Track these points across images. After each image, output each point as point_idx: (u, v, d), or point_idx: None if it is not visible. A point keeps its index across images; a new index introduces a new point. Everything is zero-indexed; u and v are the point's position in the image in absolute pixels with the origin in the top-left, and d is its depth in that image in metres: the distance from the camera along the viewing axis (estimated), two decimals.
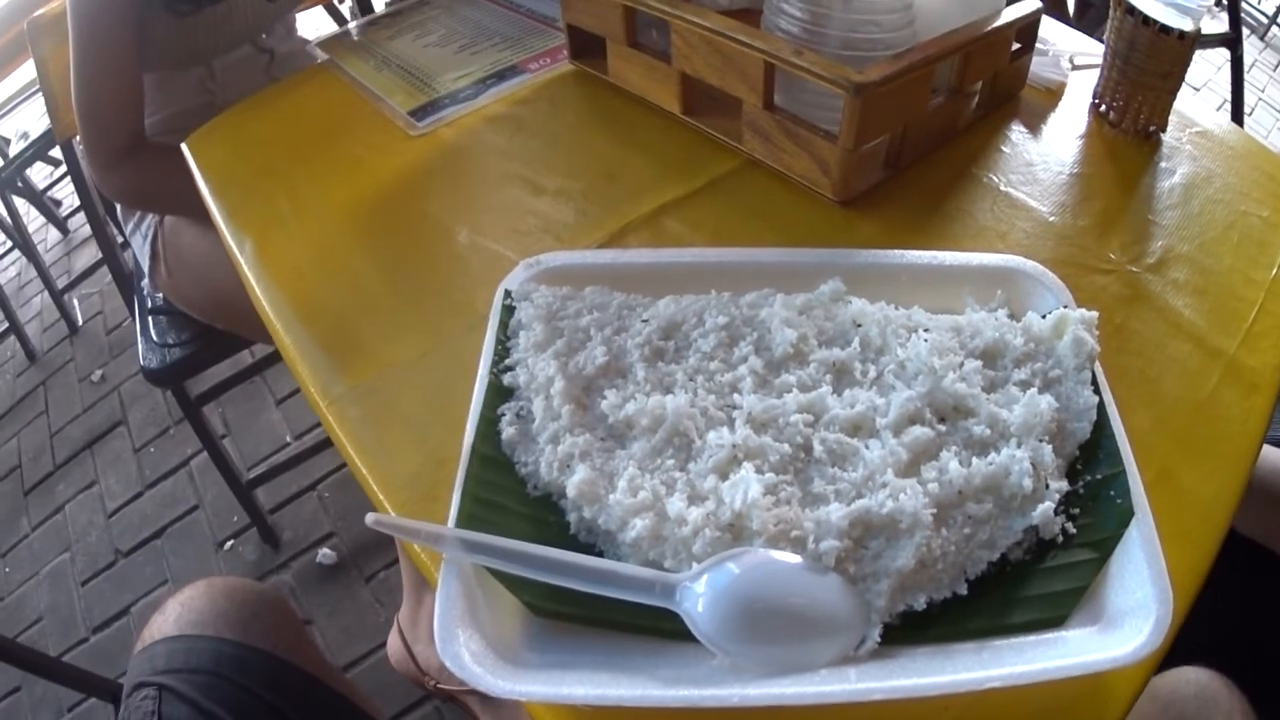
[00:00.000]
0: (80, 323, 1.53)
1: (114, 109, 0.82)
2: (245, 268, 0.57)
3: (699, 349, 0.43)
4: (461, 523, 0.38)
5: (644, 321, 0.44)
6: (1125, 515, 0.37)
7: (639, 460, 0.39)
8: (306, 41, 1.06)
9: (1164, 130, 0.69)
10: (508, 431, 0.42)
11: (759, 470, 0.38)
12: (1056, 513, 0.39)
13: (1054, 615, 0.36)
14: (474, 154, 0.65)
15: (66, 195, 1.84)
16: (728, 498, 0.37)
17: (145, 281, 1.06)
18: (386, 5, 1.07)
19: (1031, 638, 0.36)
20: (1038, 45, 0.70)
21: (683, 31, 0.55)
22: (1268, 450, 0.63)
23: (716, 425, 0.40)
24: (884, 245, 0.49)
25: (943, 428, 0.41)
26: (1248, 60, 2.12)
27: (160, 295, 1.04)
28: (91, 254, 1.48)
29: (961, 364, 0.42)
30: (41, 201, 1.78)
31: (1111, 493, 0.39)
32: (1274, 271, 0.59)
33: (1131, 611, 0.35)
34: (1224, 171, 0.67)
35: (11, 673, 1.03)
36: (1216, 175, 0.66)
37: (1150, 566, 0.35)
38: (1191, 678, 0.53)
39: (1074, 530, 0.39)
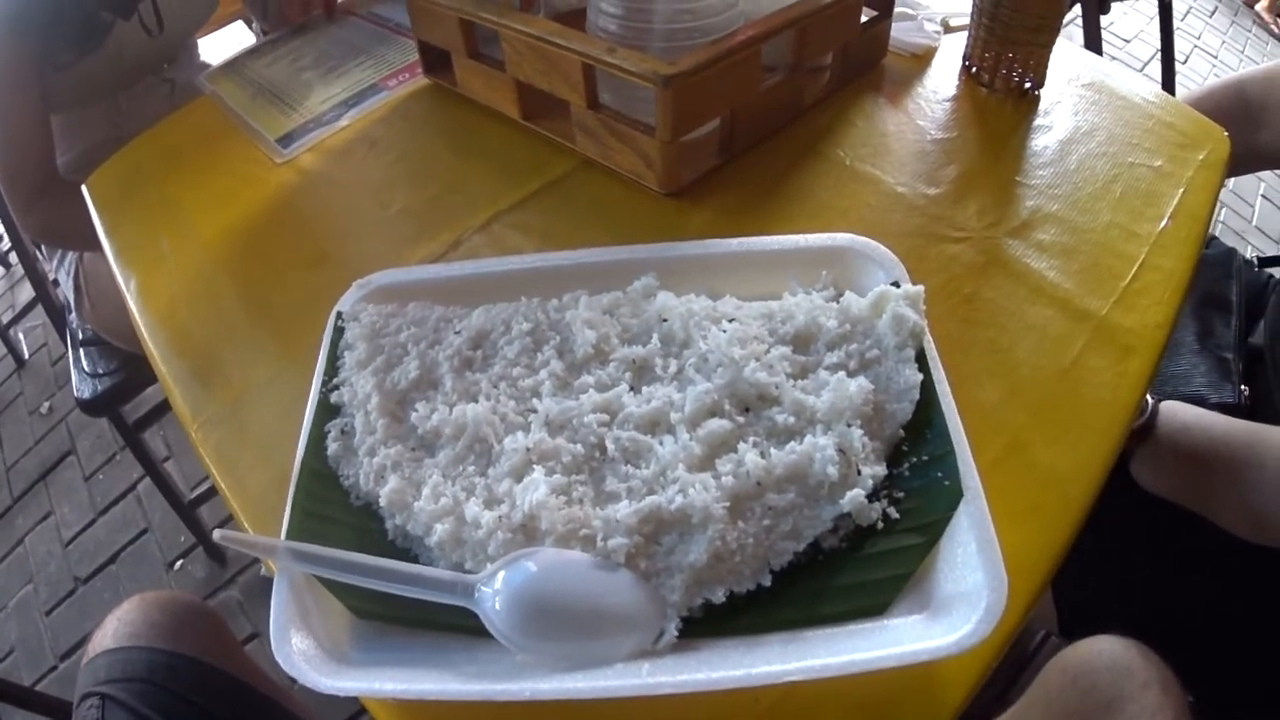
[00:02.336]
0: (27, 356, 1.58)
1: (24, 151, 0.87)
2: (130, 302, 0.61)
3: (504, 356, 0.45)
4: (292, 534, 0.41)
5: (456, 333, 0.47)
6: (954, 497, 0.37)
7: (443, 468, 0.42)
8: (208, 66, 1.09)
9: (1041, 86, 0.70)
10: (332, 447, 0.45)
11: (551, 472, 0.40)
12: (878, 498, 0.39)
13: (874, 604, 0.37)
14: (331, 177, 0.67)
15: (4, 232, 1.88)
16: (519, 500, 0.39)
17: (73, 315, 1.10)
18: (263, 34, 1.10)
19: (849, 627, 0.36)
20: (902, 9, 0.71)
21: (510, 39, 0.57)
22: (1178, 408, 0.64)
23: (515, 430, 0.42)
24: (717, 234, 0.50)
25: (742, 419, 0.42)
26: (1182, 7, 2.10)
27: (88, 327, 1.08)
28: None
29: (767, 351, 0.43)
30: None
31: (939, 474, 0.39)
32: (1162, 224, 0.59)
33: (961, 599, 0.34)
34: (1111, 123, 0.67)
35: None
36: (1101, 128, 0.67)
37: (981, 550, 0.35)
38: (1104, 648, 0.52)
39: (897, 515, 0.39)
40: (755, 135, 0.61)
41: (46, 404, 1.51)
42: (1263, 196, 1.77)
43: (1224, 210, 1.71)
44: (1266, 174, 1.81)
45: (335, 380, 0.48)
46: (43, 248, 1.11)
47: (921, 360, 0.43)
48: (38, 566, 1.32)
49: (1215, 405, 0.70)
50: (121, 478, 1.38)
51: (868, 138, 0.63)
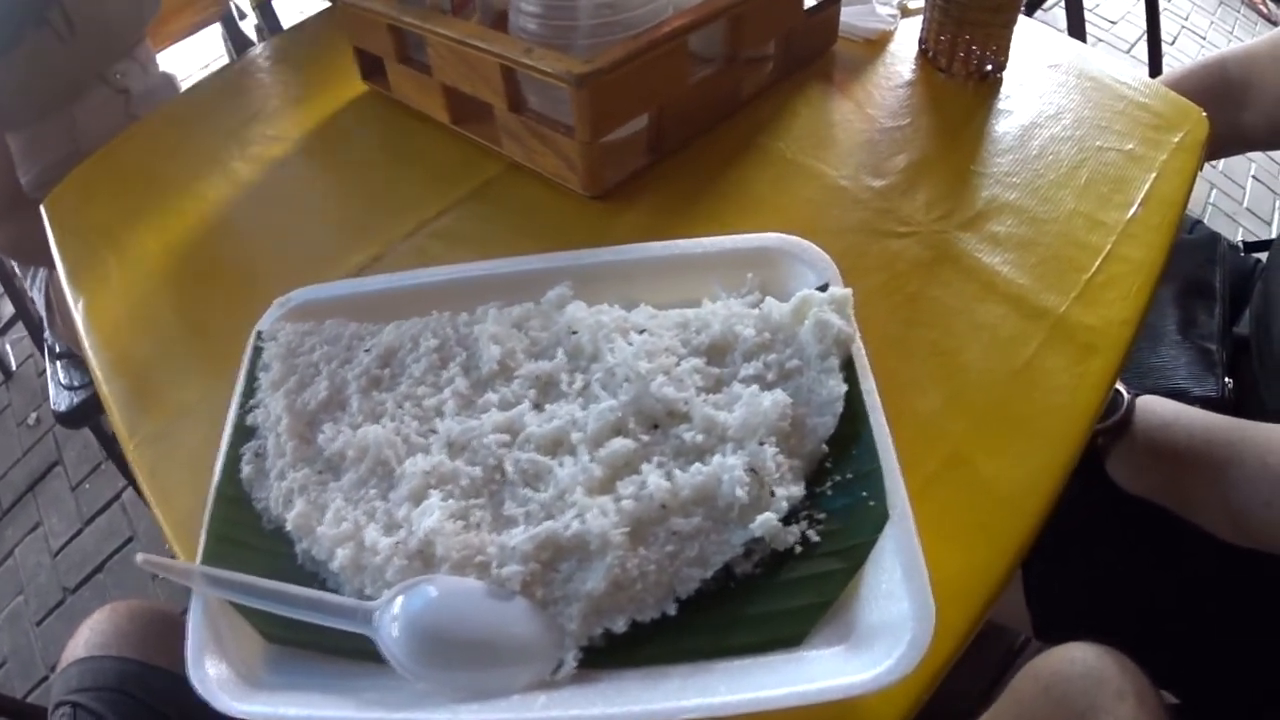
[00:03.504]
0: (14, 368, 1.61)
1: None
2: (78, 322, 0.62)
3: (411, 374, 0.45)
4: (206, 559, 0.42)
5: (366, 351, 0.46)
6: (879, 518, 0.36)
7: (346, 491, 0.42)
8: (169, 76, 1.11)
9: (1002, 69, 0.68)
10: (246, 470, 0.45)
11: (449, 496, 0.40)
12: (797, 520, 0.38)
13: (789, 634, 0.35)
14: (267, 190, 0.67)
15: None
16: (416, 525, 0.39)
17: (47, 331, 1.13)
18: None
19: (762, 659, 0.35)
20: None
21: (434, 44, 0.57)
22: (1155, 403, 0.62)
23: (416, 452, 0.42)
24: (645, 237, 0.48)
25: (648, 438, 0.40)
26: None
27: (62, 341, 1.10)
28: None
29: (678, 364, 0.42)
30: None
31: (864, 493, 0.37)
32: (1131, 211, 0.57)
33: (884, 630, 0.33)
34: (1079, 105, 0.65)
35: None
36: (1068, 111, 0.65)
37: (908, 578, 0.33)
38: (1077, 656, 0.51)
39: (817, 539, 0.37)
40: (688, 131, 0.60)
41: (34, 415, 1.54)
42: (1253, 178, 1.72)
43: (1214, 192, 1.67)
44: (1257, 155, 1.77)
45: (251, 402, 0.48)
46: (16, 265, 1.13)
47: (849, 369, 0.41)
48: (28, 577, 1.35)
49: (1198, 399, 0.68)
50: (107, 486, 1.41)
51: (812, 129, 0.62)
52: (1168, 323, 0.76)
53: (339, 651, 0.39)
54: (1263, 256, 0.80)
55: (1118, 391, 0.62)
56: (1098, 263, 0.53)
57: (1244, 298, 0.78)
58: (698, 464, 0.39)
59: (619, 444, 0.40)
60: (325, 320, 0.49)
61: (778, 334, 0.43)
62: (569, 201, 0.58)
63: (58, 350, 1.11)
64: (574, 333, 0.45)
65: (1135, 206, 0.57)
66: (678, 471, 0.39)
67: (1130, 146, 0.62)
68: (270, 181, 0.68)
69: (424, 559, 0.39)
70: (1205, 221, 0.89)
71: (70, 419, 1.07)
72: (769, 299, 0.45)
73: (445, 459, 0.41)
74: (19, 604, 1.33)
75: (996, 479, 0.42)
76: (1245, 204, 1.67)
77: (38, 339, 1.14)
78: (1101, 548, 0.65)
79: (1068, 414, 0.45)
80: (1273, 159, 1.78)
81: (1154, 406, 0.62)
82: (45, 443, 1.49)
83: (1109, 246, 0.54)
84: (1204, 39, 2.09)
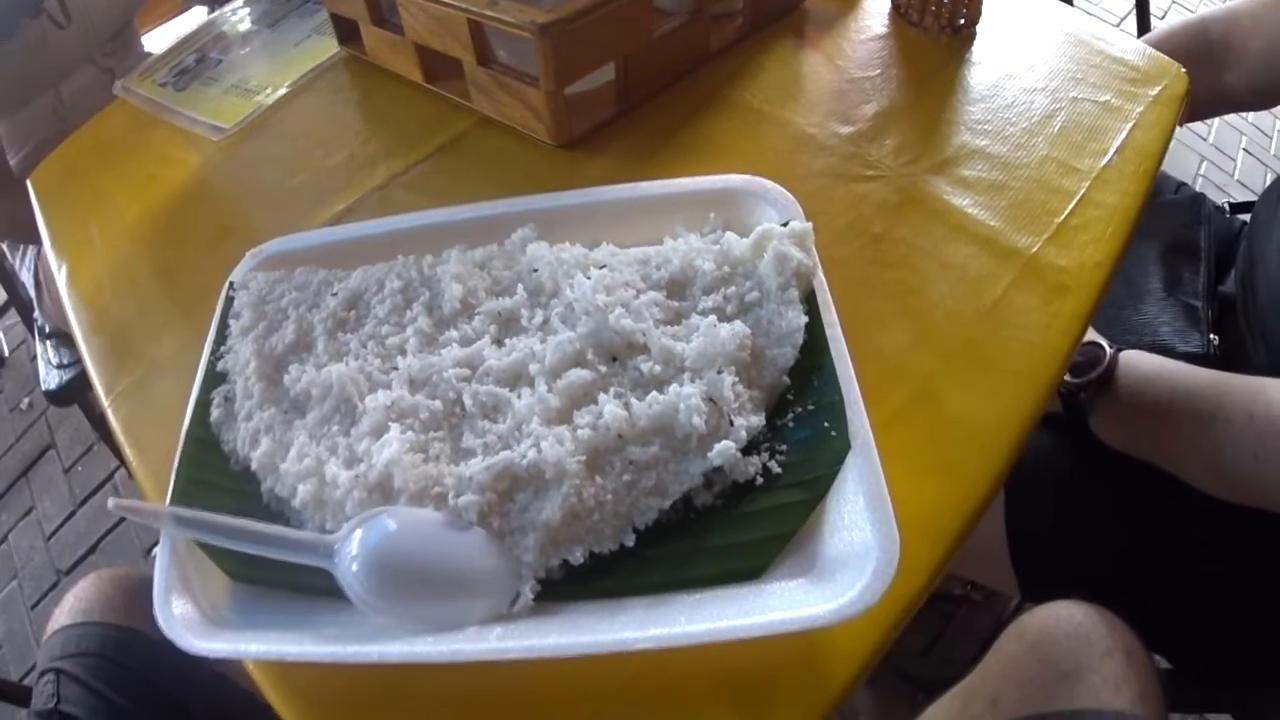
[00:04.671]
0: (6, 354, 1.64)
1: None
2: (61, 287, 0.64)
3: (375, 315, 0.46)
4: (175, 500, 0.43)
5: (333, 295, 0.48)
6: (841, 449, 0.36)
7: (310, 429, 0.43)
8: (148, 55, 1.12)
9: (976, 22, 0.68)
10: (215, 413, 0.46)
11: (408, 429, 0.40)
12: (758, 451, 0.38)
13: (750, 566, 0.35)
14: (243, 155, 0.69)
15: None
16: (376, 458, 0.40)
17: (37, 311, 1.15)
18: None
19: (721, 591, 0.35)
20: None
21: (405, 3, 0.58)
22: (1137, 358, 0.62)
23: (378, 388, 0.43)
24: (607, 184, 0.49)
25: (605, 369, 0.41)
26: None
27: (51, 320, 1.13)
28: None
29: (636, 297, 0.43)
30: None
31: (826, 424, 0.37)
32: (1106, 158, 0.57)
33: (847, 561, 0.33)
34: (1054, 59, 0.66)
35: None
36: (1042, 64, 0.65)
37: (871, 509, 0.33)
38: (1064, 614, 0.51)
39: (779, 470, 0.38)
40: (655, 84, 0.61)
41: (26, 400, 1.56)
42: (1244, 150, 1.71)
43: (1204, 164, 1.66)
44: (1248, 127, 1.76)
45: (222, 349, 0.49)
46: (5, 246, 1.15)
47: (811, 303, 0.42)
48: (22, 562, 1.37)
49: (1183, 354, 0.68)
50: (100, 468, 1.43)
51: (780, 81, 0.62)
52: (1152, 281, 0.76)
53: (302, 588, 0.41)
54: (1247, 218, 0.80)
55: (1100, 346, 0.62)
56: (1071, 206, 0.53)
57: (1229, 258, 0.78)
58: (654, 393, 0.39)
59: (576, 375, 0.40)
60: (296, 269, 0.51)
61: (737, 268, 0.44)
62: (537, 153, 0.59)
63: (47, 330, 1.13)
64: (535, 270, 0.45)
65: (1110, 155, 0.58)
66: (635, 401, 0.39)
67: (1106, 98, 0.62)
68: (243, 147, 0.69)
69: (383, 491, 0.40)
70: None
71: (60, 397, 1.09)
72: (729, 234, 0.45)
73: (406, 394, 0.42)
74: (13, 589, 1.35)
75: (965, 416, 0.43)
76: (1236, 176, 1.66)
77: (28, 321, 1.17)
78: (1087, 505, 0.65)
79: (1039, 353, 0.45)
80: (1262, 131, 1.78)
81: (1137, 361, 0.62)
82: (38, 427, 1.51)
83: (1082, 191, 0.54)
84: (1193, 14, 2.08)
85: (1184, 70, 0.65)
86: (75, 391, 1.09)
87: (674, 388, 0.39)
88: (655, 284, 0.44)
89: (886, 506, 0.33)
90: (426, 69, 0.64)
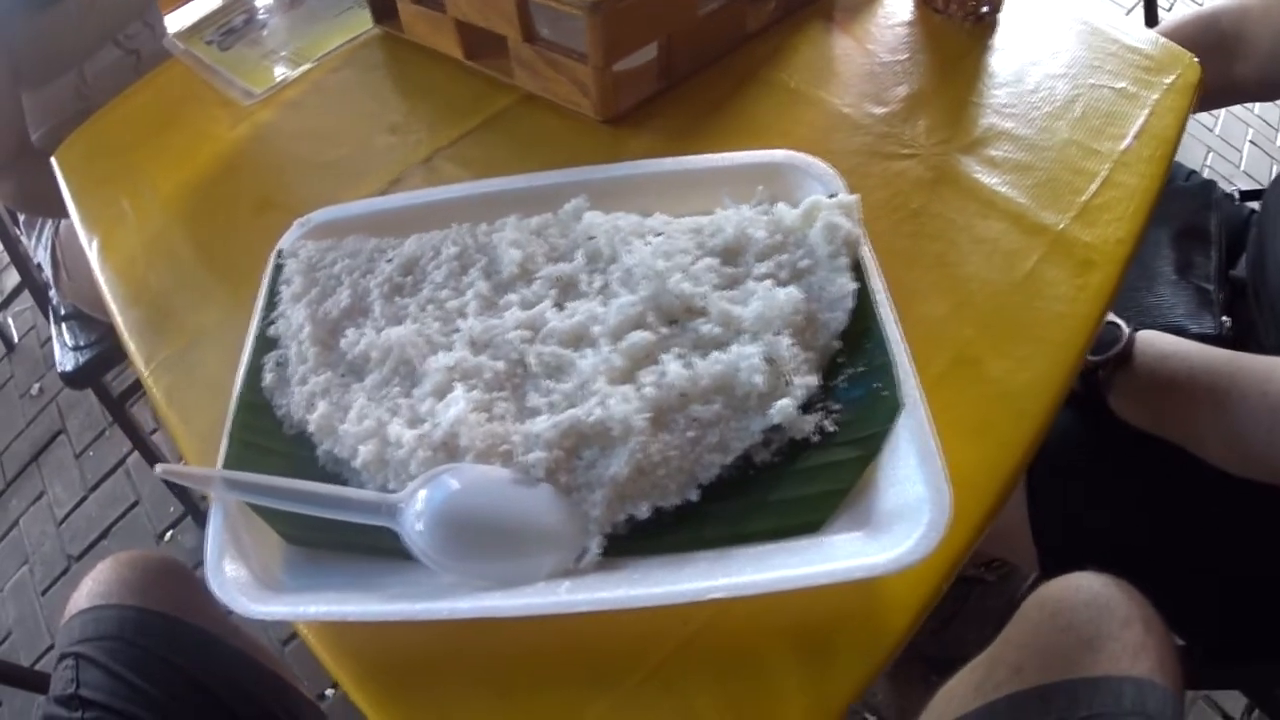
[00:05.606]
0: (16, 340, 1.61)
1: None
2: (92, 261, 0.63)
3: (432, 280, 0.46)
4: (227, 464, 0.42)
5: (388, 261, 0.47)
6: (892, 408, 0.37)
7: (369, 391, 0.43)
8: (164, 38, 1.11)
9: (998, 11, 0.69)
10: (268, 378, 0.46)
11: (472, 389, 0.40)
12: (813, 410, 0.39)
13: (808, 520, 0.36)
14: (280, 128, 0.68)
15: None
16: (440, 418, 0.39)
17: (53, 291, 1.13)
18: None
19: (783, 544, 0.35)
20: None
21: None
22: (1154, 337, 0.63)
23: (439, 350, 0.43)
24: (654, 158, 0.49)
25: (667, 331, 0.41)
26: None
27: (68, 301, 1.11)
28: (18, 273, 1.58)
29: (693, 263, 0.43)
30: None
31: (877, 385, 0.38)
32: (1125, 142, 0.58)
33: (902, 514, 0.33)
34: (1073, 47, 0.67)
35: None
36: (1062, 51, 0.66)
37: (923, 464, 0.34)
38: (1084, 584, 0.50)
39: (834, 428, 0.38)
40: (695, 62, 0.61)
41: (36, 385, 1.54)
42: (1251, 142, 1.73)
43: (1210, 155, 1.68)
44: (1254, 119, 1.78)
45: (273, 315, 0.49)
46: (22, 226, 1.13)
47: (858, 270, 0.43)
48: (32, 547, 1.35)
49: (1195, 336, 0.69)
50: (111, 453, 1.40)
51: (813, 62, 0.63)
52: (1164, 264, 0.77)
53: (361, 549, 0.40)
54: (1256, 205, 0.81)
55: (1118, 325, 0.63)
56: (1094, 186, 0.54)
57: (1239, 244, 0.79)
58: (716, 353, 0.40)
59: (639, 336, 0.41)
60: (345, 237, 0.50)
61: (789, 236, 0.45)
62: (581, 127, 0.59)
63: (63, 312, 1.11)
64: (591, 238, 0.46)
65: (1129, 139, 0.59)
66: (697, 360, 0.40)
67: (1123, 85, 0.63)
68: (280, 120, 0.69)
69: (448, 450, 0.39)
70: None
71: (76, 379, 1.07)
72: (780, 204, 0.46)
73: (468, 354, 0.42)
74: (24, 574, 1.33)
75: (1003, 379, 0.44)
76: (1242, 167, 1.68)
77: (43, 303, 1.15)
78: (1106, 481, 0.65)
79: (1069, 322, 0.46)
80: (1268, 123, 1.80)
81: (1154, 340, 0.63)
82: (49, 412, 1.49)
83: (1104, 173, 0.55)
84: (1200, 5, 2.10)
85: (1196, 60, 0.66)
86: (92, 374, 1.08)
87: (734, 348, 0.40)
88: (710, 251, 0.45)
89: (937, 462, 0.34)
90: (467, 45, 0.63)
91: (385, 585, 0.39)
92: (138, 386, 1.19)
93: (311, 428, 0.43)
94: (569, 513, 0.38)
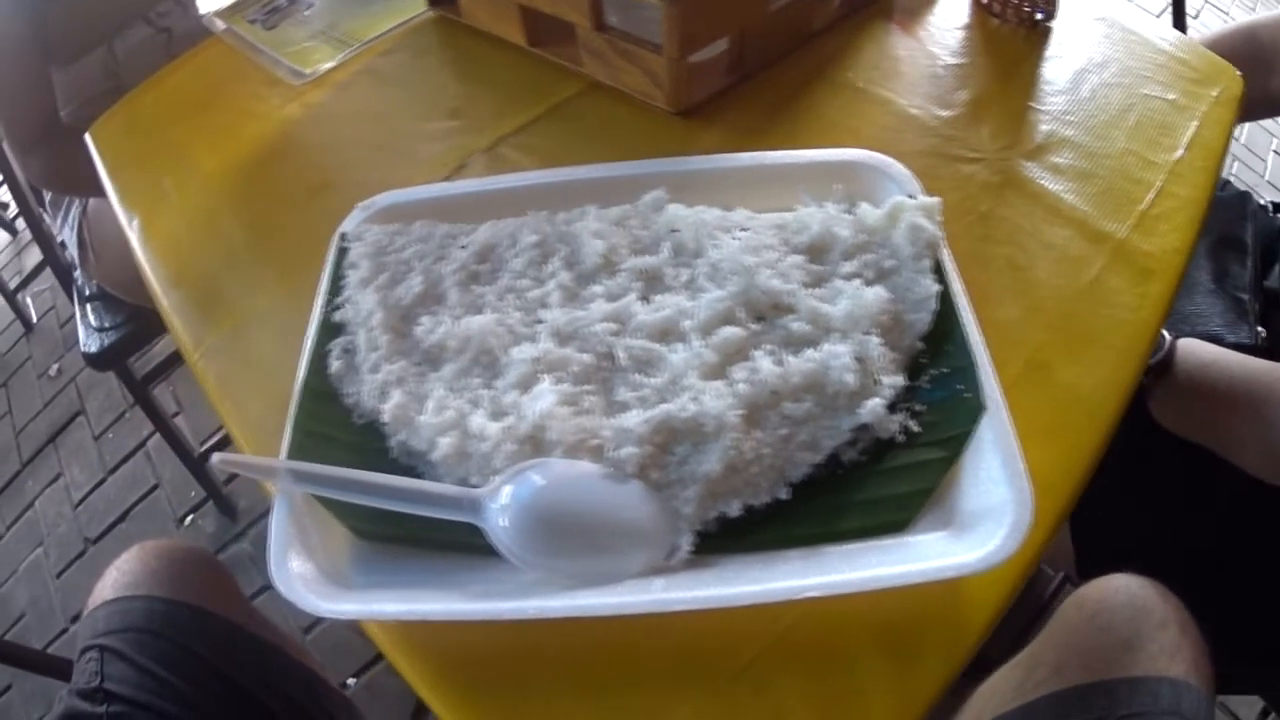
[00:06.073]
0: (35, 320, 1.57)
1: (22, 93, 0.88)
2: (133, 241, 0.61)
3: (511, 269, 0.44)
4: (291, 454, 0.40)
5: (462, 248, 0.45)
6: (975, 410, 0.36)
7: (448, 381, 0.41)
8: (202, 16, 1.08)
9: (1052, 18, 0.68)
10: (335, 365, 0.43)
11: (560, 381, 0.38)
12: (897, 410, 0.38)
13: (896, 519, 0.35)
14: (332, 110, 0.66)
15: (10, 198, 1.88)
16: (526, 410, 0.38)
17: (78, 271, 1.10)
18: None
19: (870, 543, 0.35)
20: None
21: None
22: (1196, 345, 0.62)
23: (522, 341, 0.41)
24: (724, 152, 0.48)
25: (757, 327, 0.40)
26: None
27: (94, 282, 1.08)
28: (39, 252, 1.53)
29: (780, 260, 0.42)
30: None
31: (960, 386, 0.38)
32: (1178, 153, 0.57)
33: (986, 515, 0.33)
34: (1124, 57, 0.66)
35: (3, 671, 1.09)
36: (1114, 60, 0.65)
37: (1006, 465, 0.34)
38: (1121, 585, 0.50)
39: (918, 429, 0.38)
40: (765, 57, 0.59)
41: (55, 366, 1.50)
42: (1275, 152, 1.73)
43: (1235, 165, 1.68)
44: (1278, 129, 1.78)
45: (338, 300, 0.46)
46: (48, 206, 1.10)
47: (939, 272, 0.42)
48: (48, 529, 1.31)
49: (1231, 345, 0.68)
50: (131, 435, 1.37)
51: (878, 62, 0.62)
52: (1201, 273, 0.76)
53: (435, 545, 0.38)
54: None
55: (1160, 333, 0.62)
56: (1150, 196, 0.54)
57: (1272, 255, 0.78)
58: (809, 350, 0.39)
59: (729, 331, 0.39)
60: (413, 222, 0.48)
61: (873, 236, 0.44)
62: (650, 118, 0.57)
63: (88, 293, 1.08)
64: (675, 230, 0.44)
65: (1181, 150, 0.58)
66: (788, 357, 0.39)
67: (1173, 97, 0.63)
68: (331, 102, 0.66)
69: (534, 444, 0.37)
70: None
71: (101, 360, 1.04)
72: (864, 204, 0.45)
73: (554, 346, 0.40)
74: (38, 555, 1.29)
75: (1073, 385, 0.43)
76: (1266, 176, 1.68)
77: (66, 284, 1.11)
78: (1147, 487, 0.65)
79: (1131, 329, 0.46)
80: None
81: (1194, 348, 0.62)
82: (67, 393, 1.45)
83: (1159, 183, 0.55)
84: (1227, 15, 2.10)
85: (1239, 73, 0.65)
86: (117, 356, 1.05)
87: (826, 346, 0.39)
88: (795, 248, 0.43)
89: (1019, 464, 0.34)
90: (530, 32, 0.61)
91: (461, 583, 0.37)
92: (161, 369, 1.16)
93: (385, 418, 0.40)
94: (659, 509, 0.36)
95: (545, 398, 0.38)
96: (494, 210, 0.47)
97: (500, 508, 0.36)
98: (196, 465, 1.17)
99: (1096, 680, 0.45)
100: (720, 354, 0.39)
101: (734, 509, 0.36)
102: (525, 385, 0.39)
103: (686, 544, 0.35)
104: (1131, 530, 0.65)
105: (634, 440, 0.36)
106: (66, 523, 1.31)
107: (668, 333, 0.40)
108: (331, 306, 0.46)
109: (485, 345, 0.41)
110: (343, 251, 0.48)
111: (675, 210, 0.45)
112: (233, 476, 1.21)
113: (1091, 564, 0.66)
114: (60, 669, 0.95)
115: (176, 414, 1.25)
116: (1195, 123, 0.60)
